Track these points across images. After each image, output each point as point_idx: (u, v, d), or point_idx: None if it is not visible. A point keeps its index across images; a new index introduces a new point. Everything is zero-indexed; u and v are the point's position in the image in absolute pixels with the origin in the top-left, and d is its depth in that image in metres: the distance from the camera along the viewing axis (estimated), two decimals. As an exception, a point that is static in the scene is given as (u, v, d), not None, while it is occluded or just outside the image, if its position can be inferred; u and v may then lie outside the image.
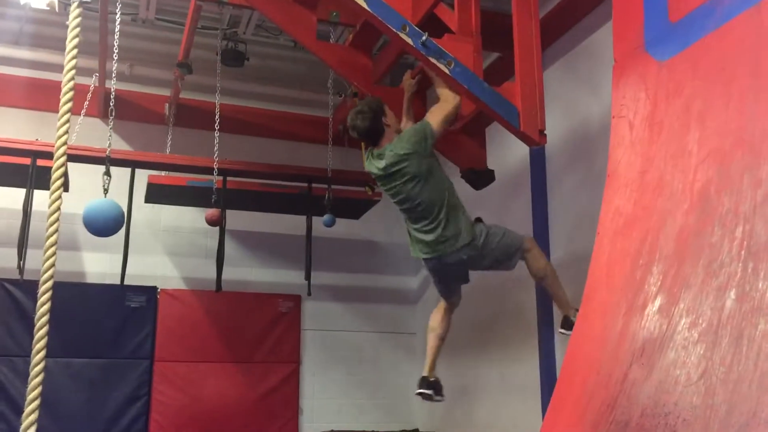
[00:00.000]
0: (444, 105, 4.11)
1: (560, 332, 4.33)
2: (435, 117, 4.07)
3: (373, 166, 4.22)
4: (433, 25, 4.62)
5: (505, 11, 4.47)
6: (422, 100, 4.98)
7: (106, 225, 5.05)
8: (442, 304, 4.59)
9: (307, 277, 6.51)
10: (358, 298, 8.02)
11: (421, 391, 4.51)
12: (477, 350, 6.70)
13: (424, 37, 3.70)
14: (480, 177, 4.84)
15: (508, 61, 4.24)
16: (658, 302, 1.91)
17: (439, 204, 4.03)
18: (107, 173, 5.20)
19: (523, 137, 3.88)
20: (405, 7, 4.47)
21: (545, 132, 3.91)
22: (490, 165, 4.99)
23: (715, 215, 1.82)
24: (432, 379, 4.52)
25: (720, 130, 1.89)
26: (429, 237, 4.11)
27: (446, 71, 3.74)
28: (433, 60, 3.72)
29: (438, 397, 4.52)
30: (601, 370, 2.03)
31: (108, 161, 5.29)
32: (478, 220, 4.25)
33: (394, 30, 3.69)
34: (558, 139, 5.47)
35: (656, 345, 1.87)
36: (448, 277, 4.40)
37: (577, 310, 3.74)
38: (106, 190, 5.11)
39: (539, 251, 4.28)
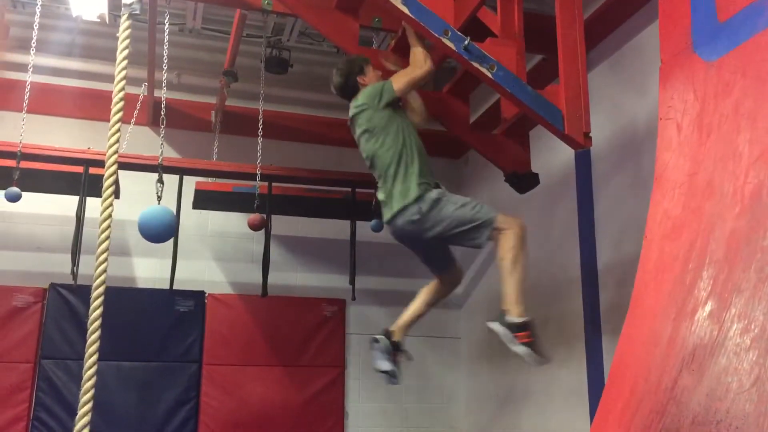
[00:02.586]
0: (412, 70, 3.91)
1: (487, 324, 3.79)
2: (399, 78, 3.89)
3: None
4: (475, 28, 4.61)
5: (548, 13, 4.43)
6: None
7: (161, 231, 5.16)
8: (432, 282, 4.15)
9: (352, 282, 6.55)
10: (402, 303, 7.92)
11: (376, 337, 4.08)
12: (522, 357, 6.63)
13: (466, 42, 3.69)
14: (524, 180, 4.81)
15: (552, 63, 4.21)
16: (708, 307, 1.87)
17: (391, 160, 3.77)
18: (160, 180, 5.31)
19: (568, 140, 3.84)
20: (447, 11, 4.47)
21: (590, 135, 3.86)
22: (534, 168, 4.95)
23: (767, 219, 1.77)
24: (395, 339, 4.07)
25: (771, 131, 1.84)
26: (381, 195, 3.86)
27: (489, 75, 3.73)
28: (476, 64, 3.71)
29: (386, 364, 3.95)
30: (650, 376, 2.00)
31: (161, 169, 5.40)
32: (437, 185, 3.84)
33: (436, 35, 3.69)
34: (604, 142, 5.39)
35: (707, 351, 1.83)
36: (417, 245, 3.95)
37: (521, 317, 3.53)
38: (159, 197, 5.21)
39: (516, 236, 3.61)
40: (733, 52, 2.07)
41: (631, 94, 5.33)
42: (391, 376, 3.96)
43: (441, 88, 5.29)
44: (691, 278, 1.99)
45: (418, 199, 3.68)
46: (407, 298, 8.25)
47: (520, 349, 3.52)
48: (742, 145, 1.92)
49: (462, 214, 3.66)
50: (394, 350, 4.03)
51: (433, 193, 3.72)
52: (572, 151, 5.05)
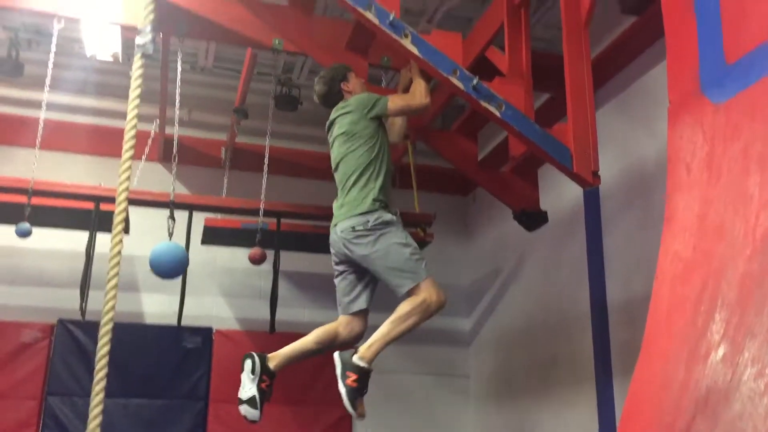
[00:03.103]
0: (411, 98, 3.79)
1: (334, 354, 3.50)
2: (396, 100, 3.78)
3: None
4: (483, 67, 4.67)
5: (556, 51, 4.48)
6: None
7: (173, 267, 5.15)
8: (338, 320, 3.76)
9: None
10: (409, 340, 7.85)
11: (252, 353, 3.72)
12: (534, 395, 6.56)
13: (474, 81, 3.73)
14: (533, 218, 4.81)
15: (560, 101, 4.24)
16: (721, 351, 1.84)
17: (356, 168, 3.61)
18: (171, 217, 5.32)
19: (577, 179, 3.85)
20: (456, 51, 4.54)
21: (599, 173, 3.86)
22: (543, 206, 4.96)
23: (779, 262, 1.76)
24: (270, 365, 3.70)
25: (782, 173, 1.84)
26: (336, 203, 3.68)
27: (497, 114, 3.75)
28: (484, 103, 3.74)
29: (250, 388, 3.59)
30: (663, 421, 1.96)
31: (172, 206, 5.43)
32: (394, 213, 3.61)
33: (444, 74, 3.72)
34: (613, 180, 5.39)
35: (721, 395, 1.80)
36: (346, 265, 3.67)
37: (364, 362, 3.30)
38: (171, 234, 5.22)
39: (427, 305, 3.45)
40: (742, 95, 2.07)
41: (640, 133, 5.35)
42: (250, 405, 3.56)
43: (450, 126, 5.33)
44: (703, 321, 1.97)
45: (369, 212, 3.50)
46: (416, 334, 8.20)
47: (341, 388, 3.35)
48: (753, 188, 1.91)
49: (400, 252, 3.45)
50: (265, 375, 3.65)
51: (386, 215, 3.52)
52: (581, 189, 5.08)
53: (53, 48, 5.34)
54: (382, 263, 3.46)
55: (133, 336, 6.72)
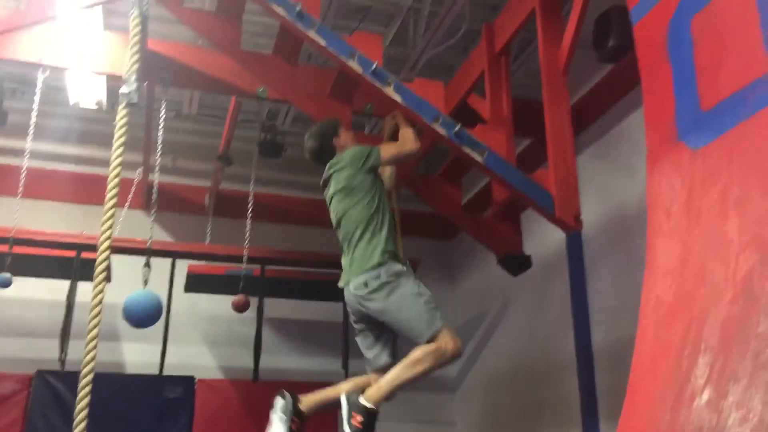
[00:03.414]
0: (402, 145, 3.82)
1: (341, 396, 3.46)
2: (387, 149, 3.79)
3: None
4: (465, 113, 4.74)
5: (536, 98, 4.56)
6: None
7: (146, 317, 5.09)
8: (366, 377, 3.68)
9: (345, 365, 6.45)
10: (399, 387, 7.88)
11: (283, 391, 3.66)
12: (520, 441, 6.49)
13: (457, 128, 3.78)
14: (516, 263, 4.83)
15: (541, 145, 4.30)
16: (706, 395, 1.84)
17: (359, 222, 3.60)
18: (147, 265, 5.27)
19: (559, 223, 3.88)
20: (438, 98, 4.61)
21: (581, 217, 3.90)
22: (527, 250, 4.98)
23: (759, 305, 1.77)
24: (301, 407, 3.63)
25: (760, 217, 1.87)
26: (344, 260, 3.65)
27: (480, 160, 3.80)
28: (467, 150, 3.78)
29: (281, 428, 3.51)
30: (651, 467, 1.95)
31: (149, 253, 5.38)
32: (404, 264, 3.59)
33: (427, 122, 3.77)
34: (595, 223, 5.44)
35: (707, 440, 1.80)
36: (365, 322, 3.64)
37: (371, 404, 3.23)
38: (146, 282, 5.17)
39: (442, 353, 3.34)
40: (718, 141, 2.12)
41: (620, 177, 5.43)
42: None
43: (433, 171, 5.37)
44: (688, 365, 1.97)
45: (380, 265, 3.45)
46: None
47: (346, 429, 3.29)
48: (732, 232, 1.94)
49: (415, 303, 3.40)
50: (296, 417, 3.59)
51: (397, 266, 3.49)
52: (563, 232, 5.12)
53: (37, 97, 5.35)
54: (398, 316, 3.42)
55: (113, 386, 6.57)
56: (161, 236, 6.96)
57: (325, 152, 3.94)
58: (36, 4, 4.55)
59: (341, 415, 3.37)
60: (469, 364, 7.80)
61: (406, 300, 3.40)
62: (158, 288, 5.40)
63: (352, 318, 3.69)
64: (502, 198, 4.52)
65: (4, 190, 6.59)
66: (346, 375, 6.49)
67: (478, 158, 3.80)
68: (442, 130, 3.78)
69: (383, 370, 3.54)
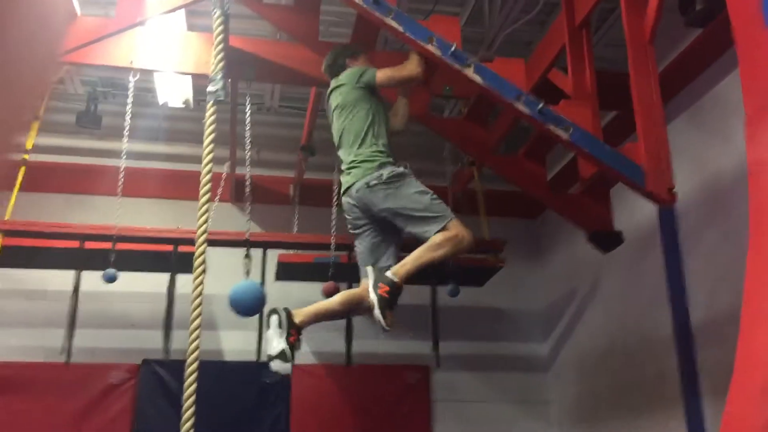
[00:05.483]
0: (401, 69, 3.95)
1: (367, 268, 3.65)
2: (384, 70, 3.94)
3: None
4: (547, 90, 4.64)
5: (620, 69, 4.42)
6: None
7: (252, 305, 5.26)
8: (362, 285, 3.80)
9: (435, 348, 6.48)
10: (487, 367, 7.88)
11: (275, 308, 3.84)
12: (620, 419, 6.36)
13: (540, 105, 3.71)
14: (607, 240, 4.72)
15: (627, 118, 4.17)
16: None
17: (359, 131, 3.79)
18: (247, 256, 5.44)
19: (652, 197, 3.76)
20: (518, 76, 4.54)
21: (674, 189, 3.76)
22: (617, 226, 4.85)
23: None
24: (296, 320, 3.78)
25: None
26: (343, 165, 3.83)
27: (566, 137, 3.72)
28: (551, 127, 3.71)
29: (279, 342, 3.64)
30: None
31: (249, 244, 5.56)
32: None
33: (509, 101, 3.73)
34: (689, 195, 5.24)
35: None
36: (367, 223, 3.77)
37: (396, 278, 3.41)
38: (248, 272, 5.34)
39: (457, 240, 3.48)
40: (823, 104, 2.01)
41: (714, 145, 5.21)
42: (281, 359, 3.64)
43: (515, 150, 5.30)
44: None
45: (382, 166, 3.65)
46: (493, 361, 8.13)
47: (372, 296, 3.47)
48: (843, 199, 1.85)
49: (420, 199, 3.58)
50: (293, 329, 3.72)
51: (398, 168, 3.67)
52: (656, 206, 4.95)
53: (130, 99, 5.58)
54: (407, 212, 3.58)
55: (214, 374, 6.84)
56: (251, 228, 7.15)
57: (334, 67, 4.16)
58: (124, 12, 4.74)
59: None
60: (562, 342, 7.70)
61: (413, 197, 3.59)
62: (250, 277, 5.56)
63: (350, 225, 3.86)
64: (589, 174, 4.41)
65: (101, 190, 6.94)
66: (437, 357, 6.53)
67: (564, 135, 3.72)
68: (525, 109, 3.72)
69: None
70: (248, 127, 5.52)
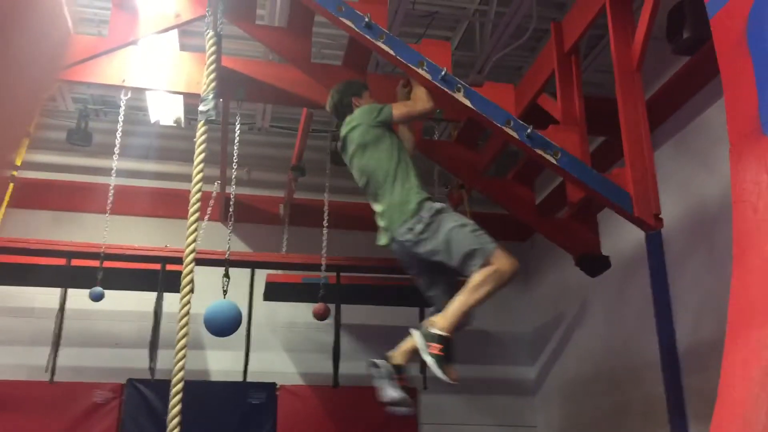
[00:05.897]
0: (414, 104, 3.93)
1: (410, 330, 3.54)
2: (399, 107, 3.91)
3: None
4: (536, 115, 4.69)
5: (606, 95, 4.48)
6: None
7: (226, 325, 5.24)
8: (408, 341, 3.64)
9: (422, 370, 6.46)
10: (474, 390, 7.86)
11: (375, 361, 3.61)
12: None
13: (529, 130, 3.75)
14: (595, 264, 4.74)
15: (615, 143, 4.21)
16: (803, 398, 1.78)
17: (388, 172, 3.70)
18: (226, 275, 5.43)
19: (638, 222, 3.80)
20: (508, 100, 4.59)
21: (660, 215, 3.80)
22: (604, 250, 4.88)
23: None
24: (395, 362, 3.58)
25: None
26: (378, 208, 3.74)
27: (554, 161, 3.76)
28: (539, 151, 3.75)
29: (394, 391, 3.47)
30: (746, 471, 1.90)
31: (227, 264, 5.54)
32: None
33: (498, 125, 3.76)
34: (675, 221, 5.29)
35: (806, 444, 1.74)
36: (416, 264, 3.71)
37: (443, 331, 3.29)
38: (225, 292, 5.32)
39: (501, 274, 3.37)
40: (805, 133, 2.05)
41: (700, 172, 5.26)
42: (401, 405, 3.52)
43: (504, 173, 5.34)
44: (782, 366, 1.91)
45: (420, 207, 3.54)
46: (480, 384, 8.10)
47: (428, 358, 3.33)
48: (825, 228, 1.87)
49: (462, 234, 3.45)
50: (398, 374, 3.58)
51: (436, 204, 3.59)
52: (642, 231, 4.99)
53: (121, 117, 5.59)
54: (449, 250, 3.45)
55: (200, 393, 6.79)
56: (239, 247, 7.14)
57: (341, 107, 4.09)
58: (117, 31, 4.76)
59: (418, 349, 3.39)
60: (549, 365, 7.70)
61: (453, 233, 3.45)
62: (238, 297, 5.55)
63: (405, 266, 3.81)
64: (577, 198, 4.45)
65: (91, 207, 6.92)
66: (425, 379, 6.51)
67: (552, 160, 3.75)
68: (513, 133, 3.75)
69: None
70: (236, 147, 5.53)
